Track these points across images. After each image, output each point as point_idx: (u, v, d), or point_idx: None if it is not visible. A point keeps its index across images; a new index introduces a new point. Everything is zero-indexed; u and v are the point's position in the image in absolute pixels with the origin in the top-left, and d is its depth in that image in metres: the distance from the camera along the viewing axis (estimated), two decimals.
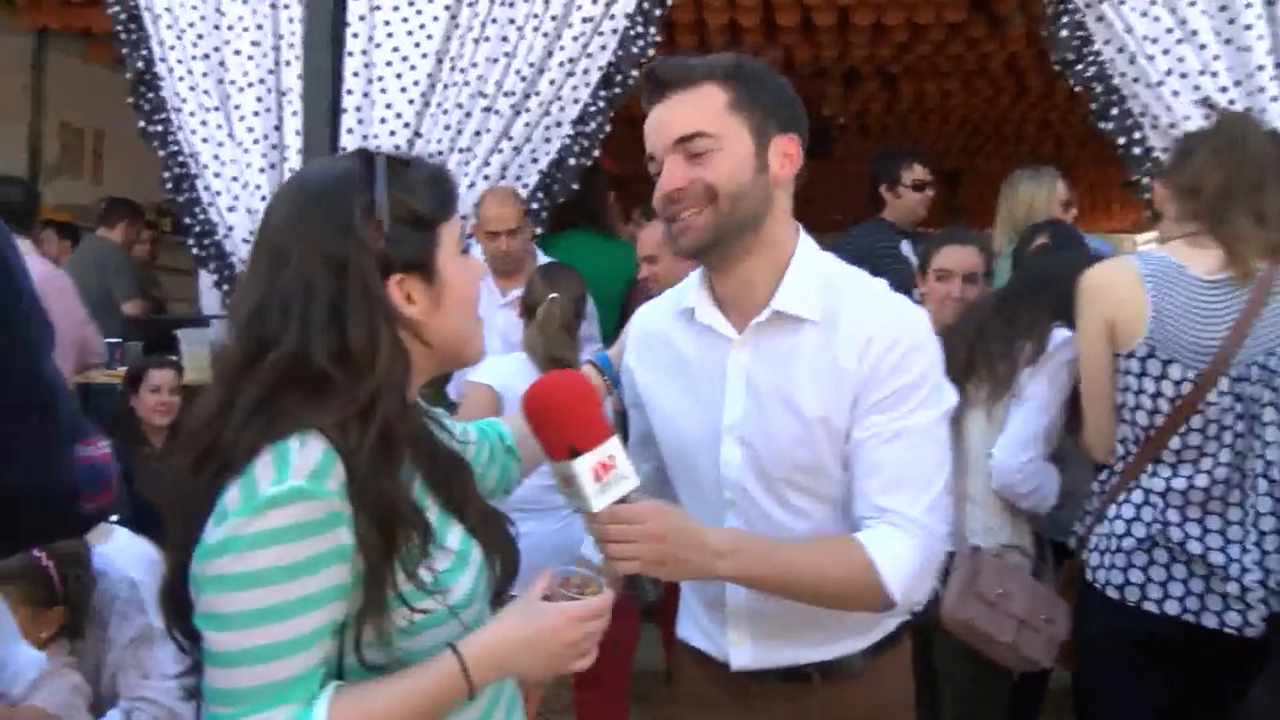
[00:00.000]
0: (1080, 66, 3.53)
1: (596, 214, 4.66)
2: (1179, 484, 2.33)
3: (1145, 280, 2.34)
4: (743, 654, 1.72)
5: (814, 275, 1.64)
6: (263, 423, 1.21)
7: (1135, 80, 3.44)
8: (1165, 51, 3.34)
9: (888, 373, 1.57)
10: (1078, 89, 3.57)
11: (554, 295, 3.26)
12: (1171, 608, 2.30)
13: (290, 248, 1.26)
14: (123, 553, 2.33)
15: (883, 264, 4.33)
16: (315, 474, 1.17)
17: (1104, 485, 2.52)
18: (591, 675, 3.70)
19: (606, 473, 1.40)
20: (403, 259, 1.28)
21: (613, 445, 1.41)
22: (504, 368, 3.19)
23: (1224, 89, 3.30)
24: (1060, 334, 2.70)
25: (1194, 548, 2.29)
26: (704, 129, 1.57)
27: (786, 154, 1.63)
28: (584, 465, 1.39)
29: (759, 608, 1.67)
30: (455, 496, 1.39)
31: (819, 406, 1.60)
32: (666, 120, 1.61)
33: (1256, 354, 2.25)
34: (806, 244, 1.68)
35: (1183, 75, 3.32)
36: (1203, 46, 3.30)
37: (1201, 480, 2.31)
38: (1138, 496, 2.38)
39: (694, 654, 1.82)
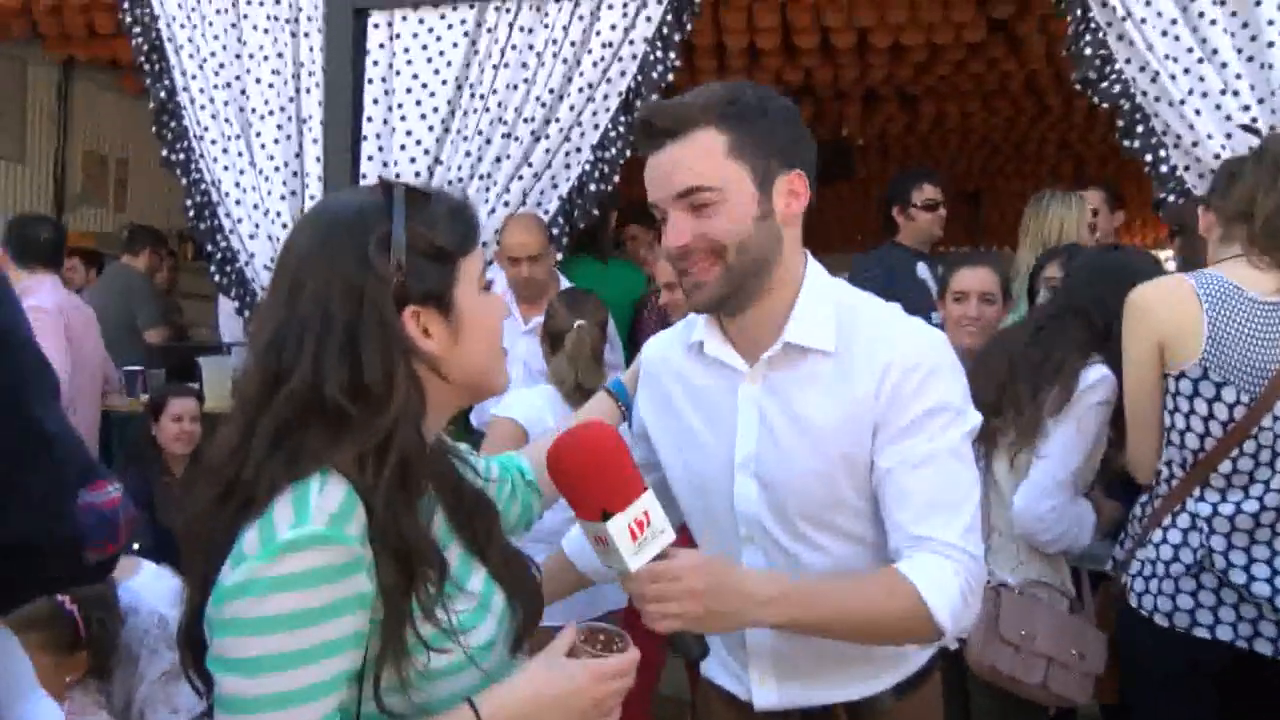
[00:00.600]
0: (1104, 85, 3.50)
1: (597, 238, 4.67)
2: (1227, 510, 2.27)
3: (1202, 299, 2.28)
4: (767, 695, 1.69)
5: (825, 304, 1.61)
6: (283, 458, 1.19)
7: (1157, 99, 3.41)
8: (1186, 71, 3.31)
9: (909, 399, 1.54)
10: (1103, 106, 3.54)
11: (581, 322, 3.14)
12: (1224, 634, 2.24)
13: (307, 277, 1.24)
14: (150, 588, 2.32)
15: (899, 285, 4.34)
16: (335, 519, 1.15)
17: (1144, 509, 2.47)
18: None
19: (642, 530, 1.34)
20: (420, 292, 1.26)
21: (646, 501, 1.35)
22: (531, 401, 3.07)
23: (1246, 107, 3.27)
24: (1092, 373, 2.61)
25: (1237, 577, 2.23)
26: (704, 183, 1.52)
27: (792, 191, 1.58)
28: (618, 527, 1.33)
29: (781, 647, 1.64)
30: (479, 537, 1.36)
31: (837, 441, 1.56)
32: (665, 172, 1.56)
33: None
34: (815, 272, 1.64)
35: (1204, 94, 3.28)
36: (1224, 65, 3.27)
37: (1251, 506, 2.25)
38: (1184, 521, 2.32)
39: (719, 692, 1.78)
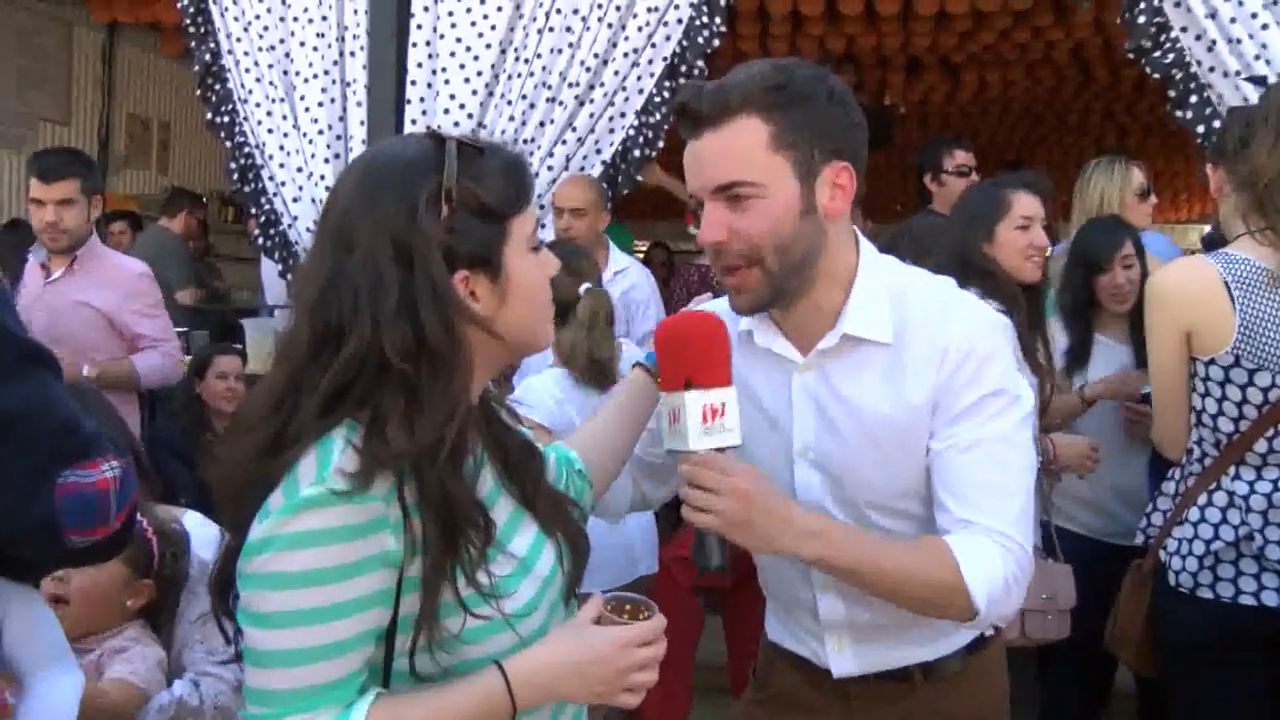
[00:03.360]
0: (1158, 54, 3.44)
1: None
2: (1264, 488, 2.26)
3: (1230, 286, 2.24)
4: (844, 661, 1.67)
5: (880, 290, 1.55)
6: (321, 411, 1.18)
7: (1211, 69, 3.36)
8: (1250, 36, 3.24)
9: (964, 385, 1.50)
10: (1155, 76, 3.48)
11: (588, 285, 2.91)
12: (1269, 599, 2.24)
13: (356, 232, 1.20)
14: (194, 534, 2.36)
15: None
16: (355, 477, 1.13)
17: (1178, 487, 2.45)
18: None
19: (714, 418, 1.37)
20: (468, 253, 1.22)
21: (728, 394, 1.38)
22: (546, 395, 2.85)
23: None
24: None
25: (1274, 553, 2.23)
26: (742, 176, 1.45)
27: (837, 185, 1.50)
28: (695, 400, 1.36)
29: (857, 616, 1.62)
30: (527, 488, 1.37)
31: (897, 429, 1.53)
32: (703, 163, 1.49)
33: None
34: (869, 256, 1.58)
35: (1268, 61, 3.22)
36: None
37: None
38: (1221, 499, 2.31)
39: (788, 656, 1.75)
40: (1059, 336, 3.26)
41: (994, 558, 1.48)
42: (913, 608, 1.53)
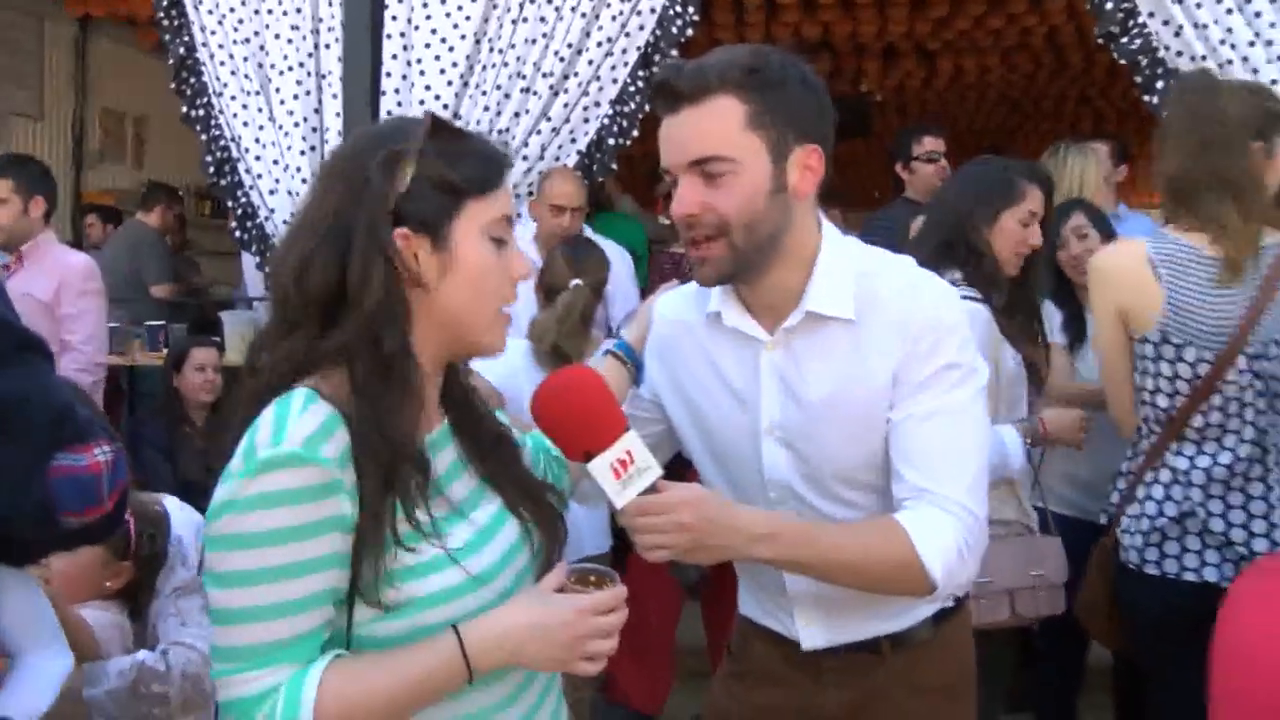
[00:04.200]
0: (1125, 39, 3.48)
1: (595, 192, 4.68)
2: (1203, 462, 2.32)
3: (1158, 266, 2.31)
4: (814, 635, 1.71)
5: (844, 269, 1.59)
6: (281, 357, 1.26)
7: (1179, 54, 3.39)
8: (1215, 21, 3.28)
9: (924, 356, 1.54)
10: (1122, 62, 3.52)
11: (578, 282, 3.03)
12: (1210, 575, 2.29)
13: (323, 184, 1.31)
14: (173, 517, 2.39)
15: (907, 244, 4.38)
16: (311, 440, 1.18)
17: (1129, 465, 2.51)
18: (632, 637, 3.74)
19: (625, 469, 1.37)
20: (414, 216, 1.27)
21: (628, 440, 1.38)
22: (505, 358, 2.94)
23: (1279, 59, 3.25)
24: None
25: (1216, 525, 2.28)
26: (719, 152, 1.50)
27: (807, 166, 1.55)
28: (601, 467, 1.36)
29: (824, 592, 1.64)
30: (493, 469, 1.40)
31: (864, 405, 1.57)
32: (680, 138, 1.53)
33: (1276, 331, 2.21)
34: (831, 235, 1.63)
35: (1232, 45, 3.26)
36: (1258, 14, 3.24)
37: (1225, 458, 2.29)
38: (1165, 476, 2.37)
39: (760, 631, 1.80)
40: (1055, 314, 3.35)
41: (946, 528, 1.51)
42: (873, 589, 1.57)
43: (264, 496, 1.17)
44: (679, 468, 1.72)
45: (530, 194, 4.08)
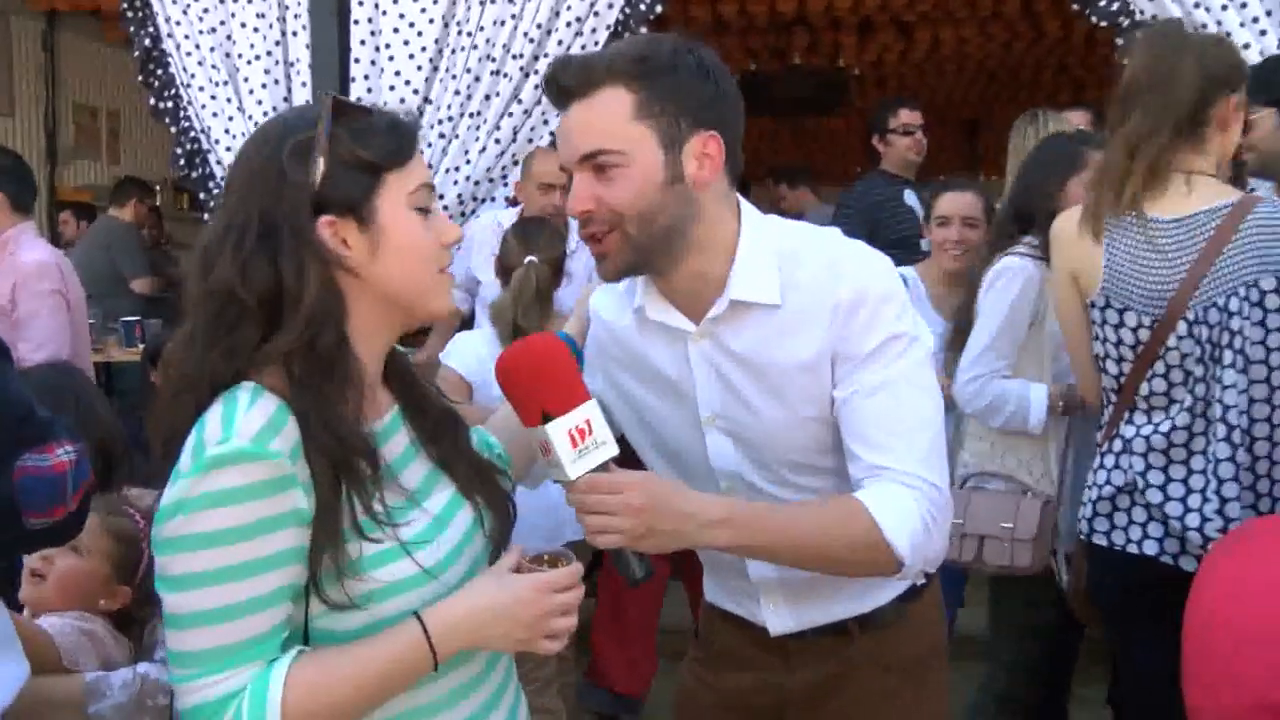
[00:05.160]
0: (1103, 3, 3.46)
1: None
2: (1146, 431, 2.25)
3: (1104, 227, 2.25)
4: (780, 619, 1.69)
5: (766, 254, 1.55)
6: (219, 355, 1.22)
7: (1154, 17, 3.37)
8: None
9: (861, 331, 1.51)
10: (1102, 24, 3.50)
11: (532, 259, 3.00)
12: (1150, 548, 2.22)
13: (235, 183, 1.27)
14: None
15: (884, 213, 4.46)
16: (260, 435, 1.17)
17: (1099, 435, 2.45)
18: (614, 621, 3.70)
19: (583, 438, 1.34)
20: (336, 200, 1.25)
21: (589, 409, 1.36)
22: (472, 348, 2.99)
23: (1255, 19, 3.23)
24: (1001, 261, 2.77)
25: (1154, 497, 2.21)
26: (605, 145, 1.47)
27: (705, 154, 1.50)
28: (558, 429, 1.33)
29: (789, 576, 1.62)
30: (446, 450, 1.38)
31: (801, 388, 1.54)
32: (570, 132, 1.51)
33: (1217, 295, 2.13)
34: (751, 220, 1.59)
35: (1207, 9, 3.24)
36: None
37: (1165, 426, 2.22)
38: (1117, 445, 2.30)
39: (727, 616, 1.78)
40: None
41: (908, 503, 1.48)
42: (838, 571, 1.55)
43: (213, 495, 1.15)
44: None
45: (504, 178, 4.05)
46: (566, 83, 1.49)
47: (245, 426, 1.17)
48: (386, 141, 1.29)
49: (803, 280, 1.54)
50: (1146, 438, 2.24)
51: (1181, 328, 2.17)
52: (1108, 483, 2.29)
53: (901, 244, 4.01)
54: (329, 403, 1.22)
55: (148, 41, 4.38)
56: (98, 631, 2.07)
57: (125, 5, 4.40)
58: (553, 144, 3.96)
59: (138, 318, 5.41)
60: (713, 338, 1.58)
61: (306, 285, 1.22)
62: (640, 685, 3.60)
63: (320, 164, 1.24)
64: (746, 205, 1.61)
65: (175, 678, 1.19)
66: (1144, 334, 2.21)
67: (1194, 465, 2.19)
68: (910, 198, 4.50)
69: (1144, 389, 2.25)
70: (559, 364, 1.38)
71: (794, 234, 1.61)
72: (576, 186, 1.51)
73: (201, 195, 4.37)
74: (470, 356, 2.97)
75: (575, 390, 1.37)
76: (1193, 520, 2.15)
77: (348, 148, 1.25)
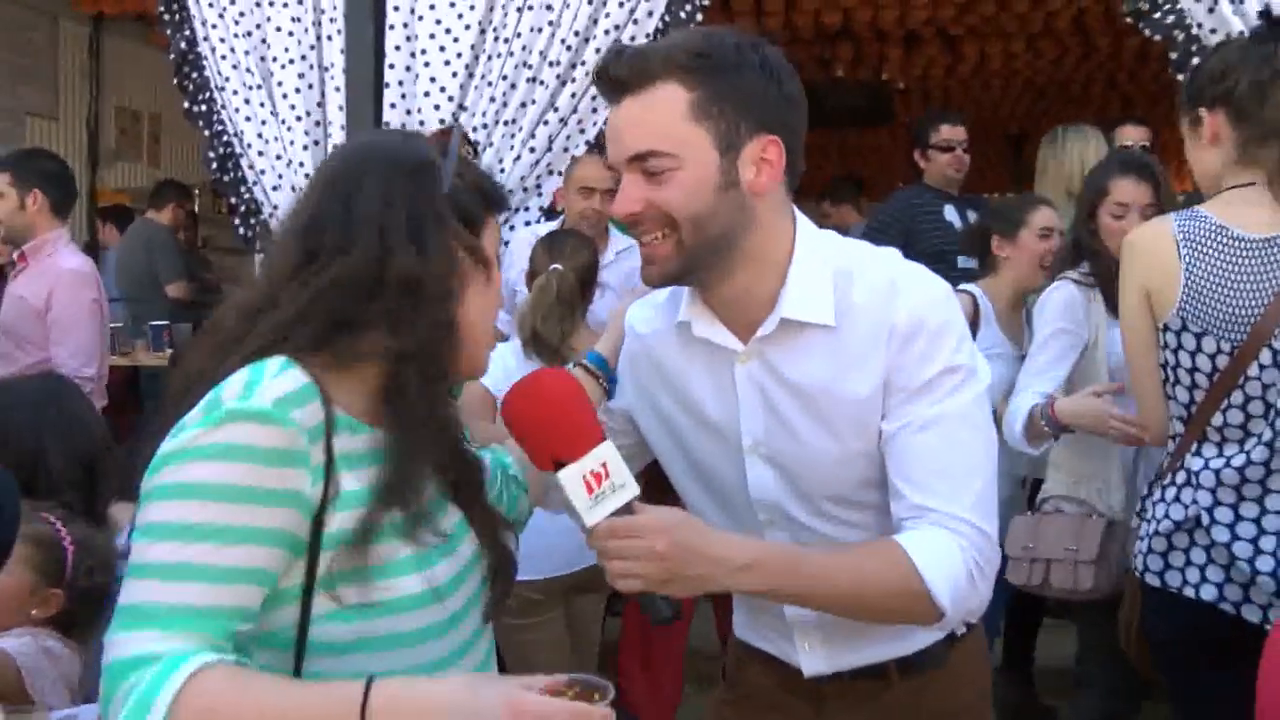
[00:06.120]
0: (1157, 16, 3.35)
1: None
2: (1217, 464, 2.08)
3: (1180, 243, 2.09)
4: (815, 660, 1.57)
5: (821, 271, 1.45)
6: (317, 327, 1.18)
7: (1213, 31, 3.26)
8: None
9: (916, 362, 1.40)
10: (1156, 37, 3.39)
11: (556, 266, 2.91)
12: (1208, 594, 2.05)
13: (365, 173, 1.23)
14: None
15: (922, 223, 4.38)
16: (283, 401, 1.11)
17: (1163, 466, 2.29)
18: (640, 648, 3.63)
19: (599, 484, 1.25)
20: (462, 214, 1.26)
21: (604, 452, 1.27)
22: (499, 360, 2.83)
23: None
24: (1047, 290, 2.87)
25: (1220, 535, 2.04)
26: (658, 147, 1.37)
27: (764, 159, 1.41)
28: (572, 477, 1.25)
29: (825, 615, 1.50)
30: (462, 495, 1.31)
31: (852, 417, 1.44)
32: (620, 130, 1.41)
33: None
34: (806, 234, 1.49)
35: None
36: None
37: (1238, 461, 2.05)
38: (1180, 478, 2.13)
39: (757, 655, 1.67)
40: None
41: (953, 551, 1.37)
42: (875, 619, 1.44)
43: (220, 448, 1.09)
44: (657, 493, 1.56)
45: (538, 187, 3.98)
46: (619, 74, 1.40)
47: (270, 390, 1.12)
48: (494, 188, 1.33)
49: (858, 301, 1.43)
50: (1216, 472, 2.07)
51: (1265, 356, 2.02)
52: (1166, 517, 2.13)
53: (938, 257, 3.89)
54: (432, 420, 1.23)
55: (183, 44, 4.35)
56: (55, 649, 2.01)
57: (162, 8, 4.39)
58: (590, 151, 3.89)
59: (167, 322, 5.39)
60: (761, 359, 1.47)
61: (455, 275, 1.23)
62: (667, 712, 3.50)
63: (449, 179, 1.24)
64: (802, 218, 1.51)
65: (110, 638, 1.07)
66: (1222, 360, 2.06)
67: (1269, 505, 2.03)
68: (950, 213, 4.39)
69: (1217, 419, 2.09)
70: (568, 406, 1.30)
71: (851, 252, 1.51)
72: (625, 187, 1.41)
73: (233, 199, 4.34)
74: (498, 368, 2.83)
75: (588, 433, 1.28)
76: (1264, 564, 1.99)
77: (473, 177, 1.28)
